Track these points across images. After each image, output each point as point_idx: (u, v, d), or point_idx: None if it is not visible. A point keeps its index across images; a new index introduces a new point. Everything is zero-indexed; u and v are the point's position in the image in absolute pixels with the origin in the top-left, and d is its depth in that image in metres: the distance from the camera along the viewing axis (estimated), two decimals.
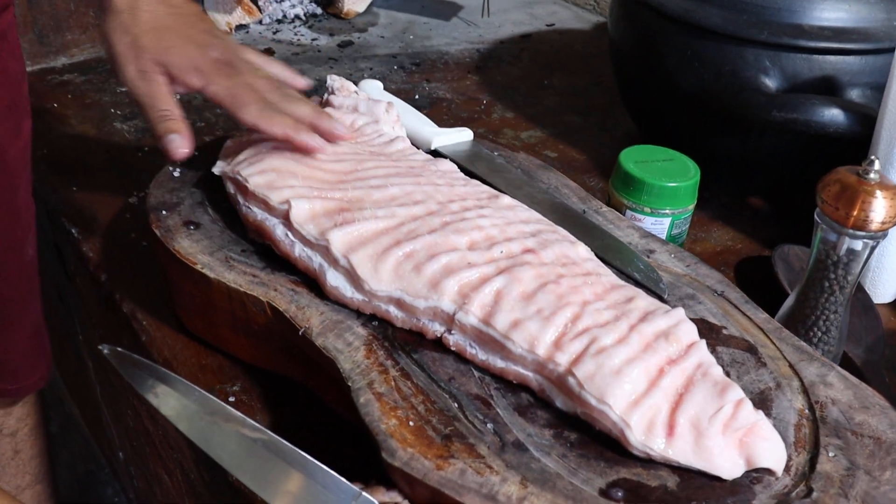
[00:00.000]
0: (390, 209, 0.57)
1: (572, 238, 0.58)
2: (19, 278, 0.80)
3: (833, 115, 0.69)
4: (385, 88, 1.01)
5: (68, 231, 0.77)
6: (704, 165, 0.83)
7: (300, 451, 0.44)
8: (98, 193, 0.81)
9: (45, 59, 1.05)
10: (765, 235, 0.81)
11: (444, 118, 0.98)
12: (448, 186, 0.61)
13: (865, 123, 0.69)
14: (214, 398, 0.46)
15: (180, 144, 0.61)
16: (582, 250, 0.56)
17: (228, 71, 0.63)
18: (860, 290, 0.72)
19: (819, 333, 0.61)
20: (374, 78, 1.07)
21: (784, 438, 0.48)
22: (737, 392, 0.46)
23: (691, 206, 0.70)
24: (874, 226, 0.56)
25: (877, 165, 0.55)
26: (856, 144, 0.70)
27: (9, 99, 0.74)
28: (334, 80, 0.76)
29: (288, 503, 0.43)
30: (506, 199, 0.61)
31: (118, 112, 0.95)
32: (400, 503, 0.44)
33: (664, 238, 0.69)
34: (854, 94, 0.74)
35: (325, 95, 0.75)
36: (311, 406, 0.57)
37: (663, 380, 0.46)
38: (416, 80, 1.08)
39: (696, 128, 0.81)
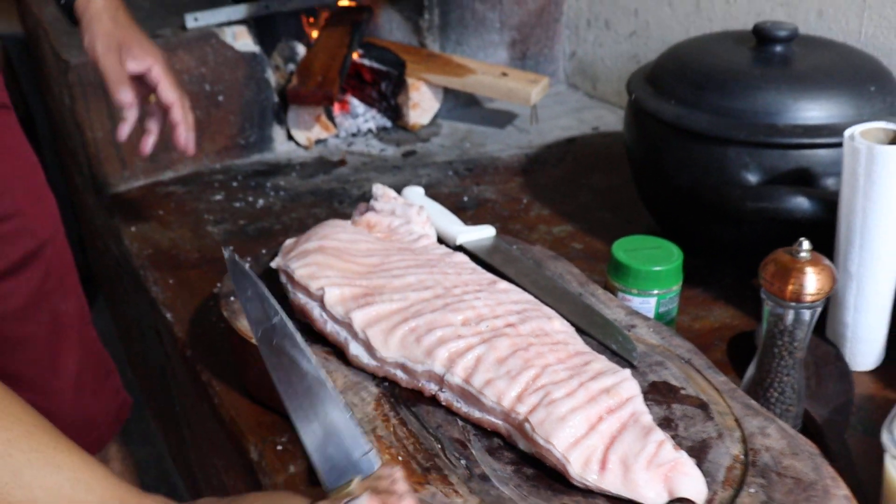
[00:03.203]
0: (405, 294, 0.71)
1: (551, 314, 0.69)
2: (49, 329, 0.97)
3: (798, 202, 0.79)
4: (438, 192, 1.16)
5: (163, 315, 0.94)
6: (707, 250, 0.94)
7: (341, 399, 0.53)
8: (189, 285, 0.98)
9: (155, 174, 1.25)
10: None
11: (487, 217, 1.11)
12: (456, 275, 0.74)
13: (828, 208, 0.78)
14: (290, 324, 0.56)
15: (124, 132, 0.95)
16: (557, 324, 0.68)
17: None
18: (839, 358, 0.80)
19: (776, 394, 0.70)
20: (431, 183, 1.22)
21: (714, 477, 0.58)
22: (659, 434, 0.56)
23: (675, 287, 0.80)
24: (808, 297, 0.66)
25: (806, 245, 0.66)
26: (824, 227, 0.79)
27: (21, 172, 0.95)
28: (377, 189, 0.91)
29: (314, 436, 0.52)
30: (502, 285, 0.73)
31: (210, 217, 1.14)
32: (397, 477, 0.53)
33: (652, 316, 0.80)
34: (829, 183, 0.84)
35: (371, 201, 0.90)
36: None
37: (601, 425, 0.57)
38: (468, 184, 1.22)
39: (693, 219, 0.92)
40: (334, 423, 0.52)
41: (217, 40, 1.24)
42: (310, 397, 0.53)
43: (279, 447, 0.72)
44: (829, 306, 0.82)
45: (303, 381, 0.53)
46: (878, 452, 0.67)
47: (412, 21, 1.44)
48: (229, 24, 1.27)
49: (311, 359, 0.54)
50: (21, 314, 0.94)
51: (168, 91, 0.95)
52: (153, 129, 0.99)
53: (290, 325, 0.55)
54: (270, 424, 0.75)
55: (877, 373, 0.81)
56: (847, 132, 0.75)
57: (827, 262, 0.67)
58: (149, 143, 0.99)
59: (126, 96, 0.92)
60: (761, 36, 0.93)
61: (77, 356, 0.99)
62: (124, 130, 0.96)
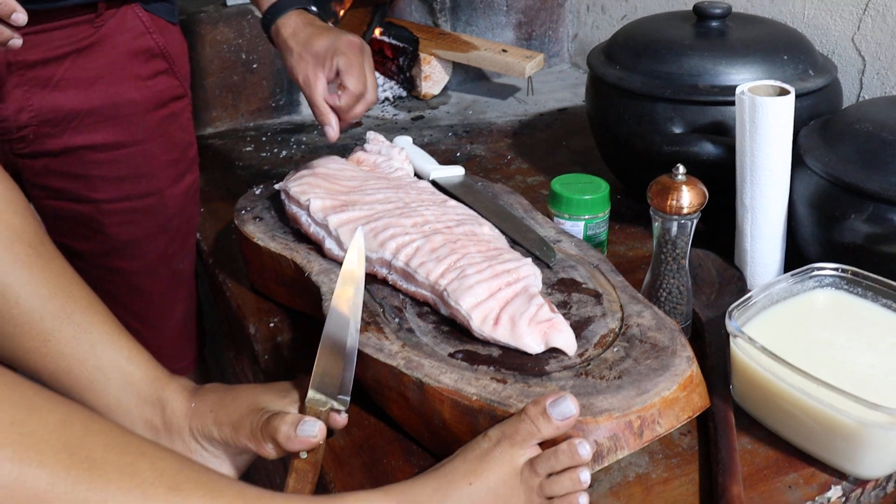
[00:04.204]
0: (372, 205, 0.89)
1: (484, 222, 0.88)
2: (168, 284, 1.12)
3: (704, 146, 0.96)
4: (436, 148, 1.34)
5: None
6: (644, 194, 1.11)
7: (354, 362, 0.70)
8: (216, 213, 1.18)
9: (197, 129, 1.45)
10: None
11: (473, 168, 1.29)
12: (417, 194, 0.93)
13: (728, 152, 0.95)
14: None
15: (332, 133, 0.95)
16: (486, 229, 0.86)
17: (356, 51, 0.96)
18: (740, 279, 0.96)
19: (665, 294, 0.87)
20: (431, 142, 1.41)
21: (589, 340, 0.75)
22: (540, 300, 0.74)
23: (602, 214, 0.97)
24: (685, 210, 0.82)
25: (682, 170, 0.82)
26: (727, 168, 0.95)
27: (173, 157, 1.07)
28: (370, 134, 1.10)
29: (322, 366, 0.69)
30: (451, 202, 0.92)
31: (240, 163, 1.34)
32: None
33: (581, 237, 0.97)
34: None
35: (364, 144, 1.09)
36: (314, 329, 0.88)
37: (499, 293, 0.75)
38: (463, 143, 1.40)
39: (632, 164, 1.08)
40: (342, 371, 0.69)
41: (253, 16, 1.44)
42: (341, 349, 0.69)
43: (271, 325, 0.92)
44: (735, 236, 0.98)
45: (342, 338, 0.69)
46: None
47: (427, 3, 1.62)
48: None
49: (357, 331, 0.70)
50: (147, 270, 1.08)
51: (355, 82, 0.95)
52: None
53: (361, 302, 0.70)
54: (266, 309, 0.94)
55: None
56: (739, 88, 0.91)
57: (700, 184, 0.83)
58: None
59: (332, 132, 0.95)
60: (699, 13, 1.09)
61: (185, 305, 1.15)
62: (332, 136, 0.96)
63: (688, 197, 0.82)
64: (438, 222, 0.86)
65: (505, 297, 0.75)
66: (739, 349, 0.76)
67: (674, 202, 0.82)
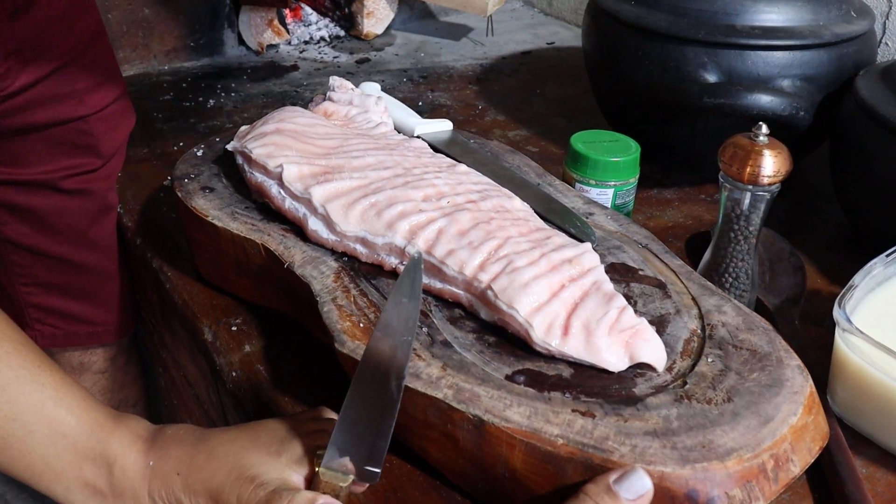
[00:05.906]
0: (364, 172, 0.70)
1: (510, 194, 0.69)
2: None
3: (755, 98, 0.80)
4: (392, 96, 1.14)
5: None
6: (662, 153, 0.95)
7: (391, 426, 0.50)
8: (138, 178, 0.95)
9: None
10: (716, 215, 0.91)
11: None
12: (416, 157, 0.74)
13: (784, 106, 0.79)
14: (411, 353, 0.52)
15: None
16: (517, 203, 0.68)
17: None
18: (793, 254, 0.82)
19: (730, 279, 0.71)
20: (385, 88, 1.20)
21: (673, 348, 0.59)
22: (621, 301, 0.57)
23: (633, 179, 0.81)
24: (765, 180, 0.66)
25: (765, 129, 0.66)
26: (779, 125, 0.80)
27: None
28: (335, 80, 0.89)
29: (349, 427, 0.50)
30: (462, 167, 0.73)
31: (159, 115, 1.10)
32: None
33: (609, 207, 0.80)
34: (785, 84, 0.84)
35: (328, 93, 0.88)
36: (295, 334, 0.69)
37: (563, 293, 0.57)
38: (422, 90, 1.21)
39: (649, 119, 0.92)
40: (376, 438, 0.50)
41: None
42: (376, 408, 0.50)
43: (233, 328, 0.71)
44: None
45: (378, 395, 0.50)
46: (825, 339, 0.69)
47: None
48: None
49: (400, 390, 0.50)
50: (112, 187, 0.94)
51: None
52: None
53: (411, 353, 0.52)
54: (224, 307, 0.74)
55: (827, 270, 0.83)
56: None
57: (785, 148, 0.67)
58: None
59: None
60: None
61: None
62: None
63: (772, 164, 0.66)
64: (457, 195, 0.67)
65: (572, 298, 0.57)
66: (851, 349, 0.61)
67: (754, 169, 0.66)
